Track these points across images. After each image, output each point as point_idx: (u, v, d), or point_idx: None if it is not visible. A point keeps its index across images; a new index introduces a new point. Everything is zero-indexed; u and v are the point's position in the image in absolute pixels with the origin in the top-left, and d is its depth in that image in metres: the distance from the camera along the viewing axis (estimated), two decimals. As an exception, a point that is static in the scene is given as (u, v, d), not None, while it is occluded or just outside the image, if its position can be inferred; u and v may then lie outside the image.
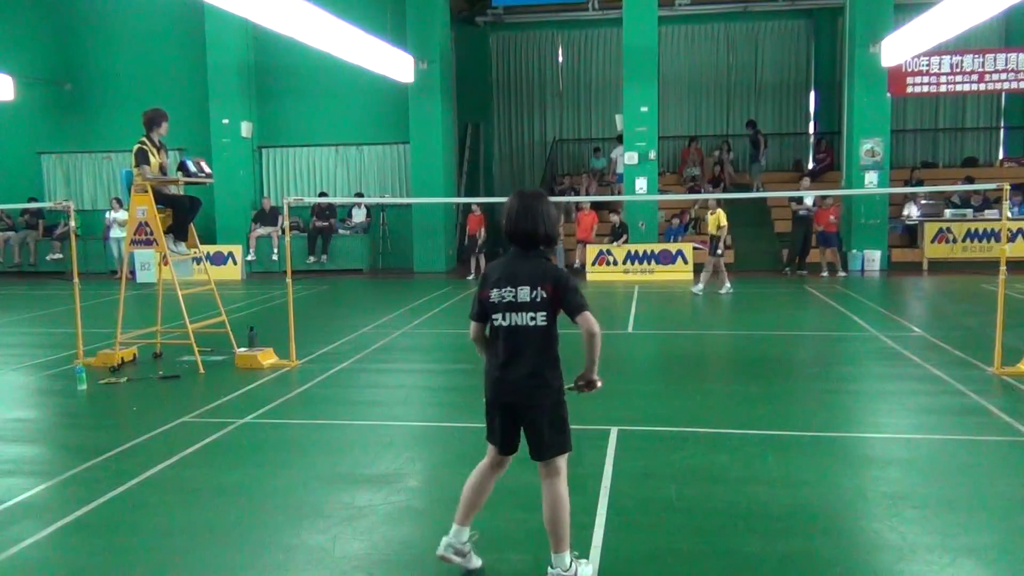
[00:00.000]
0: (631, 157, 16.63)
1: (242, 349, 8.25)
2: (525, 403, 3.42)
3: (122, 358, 8.16)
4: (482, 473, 3.62)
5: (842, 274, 15.52)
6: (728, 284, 13.09)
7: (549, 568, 3.46)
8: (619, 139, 19.59)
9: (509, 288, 3.37)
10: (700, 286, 13.08)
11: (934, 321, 10.73)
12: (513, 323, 3.38)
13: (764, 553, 3.77)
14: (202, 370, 7.86)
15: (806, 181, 16.42)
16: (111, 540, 4.10)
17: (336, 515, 4.27)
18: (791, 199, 15.91)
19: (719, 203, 13.48)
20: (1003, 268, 7.35)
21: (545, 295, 3.33)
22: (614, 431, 5.61)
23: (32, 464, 5.42)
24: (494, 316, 3.43)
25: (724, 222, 13.10)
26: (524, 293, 3.35)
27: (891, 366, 7.86)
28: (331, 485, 4.74)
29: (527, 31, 21.57)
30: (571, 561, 3.48)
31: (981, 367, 7.42)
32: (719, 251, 13.18)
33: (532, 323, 3.36)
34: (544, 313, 3.35)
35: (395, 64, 15.24)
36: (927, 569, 3.61)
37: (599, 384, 3.44)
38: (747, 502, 4.36)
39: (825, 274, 15.47)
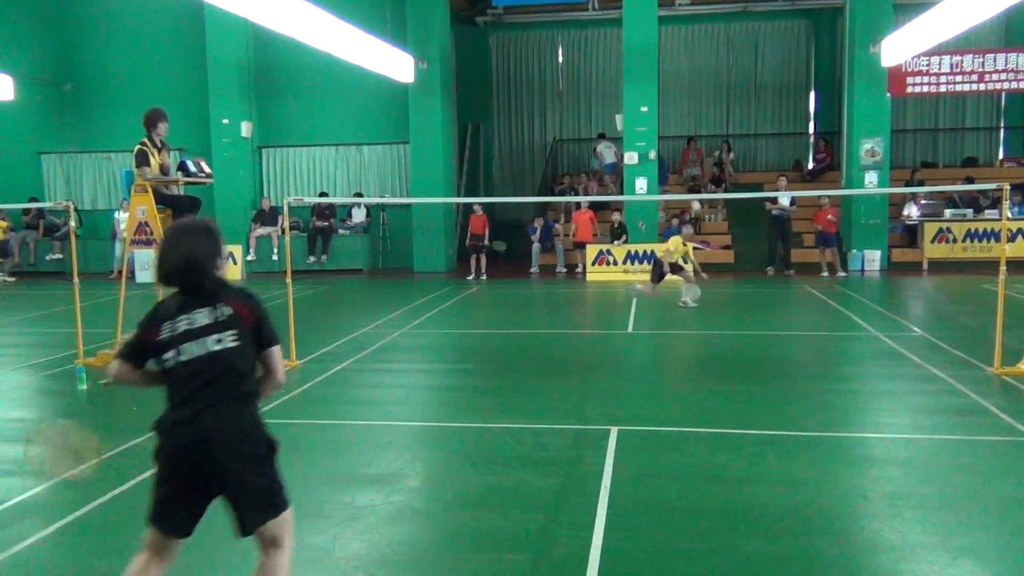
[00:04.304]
0: (631, 157, 16.62)
1: (242, 349, 8.23)
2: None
3: (122, 358, 8.14)
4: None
5: (842, 274, 15.51)
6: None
7: None
8: (601, 135, 20.08)
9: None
10: (690, 297, 11.78)
11: (934, 321, 10.73)
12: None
13: (764, 553, 3.77)
14: (202, 370, 7.85)
15: (782, 181, 16.48)
16: (111, 540, 4.10)
17: (336, 515, 4.27)
18: (766, 199, 15.91)
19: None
20: (1003, 268, 7.35)
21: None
22: (614, 431, 5.61)
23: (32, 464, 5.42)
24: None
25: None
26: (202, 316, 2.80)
27: (891, 366, 7.86)
28: (331, 485, 4.74)
29: (527, 31, 21.56)
30: None
31: (981, 367, 7.41)
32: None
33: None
34: (239, 339, 2.82)
35: (395, 64, 15.25)
36: (927, 569, 3.61)
37: None
38: (747, 502, 4.36)
39: (825, 274, 15.46)
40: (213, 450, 2.67)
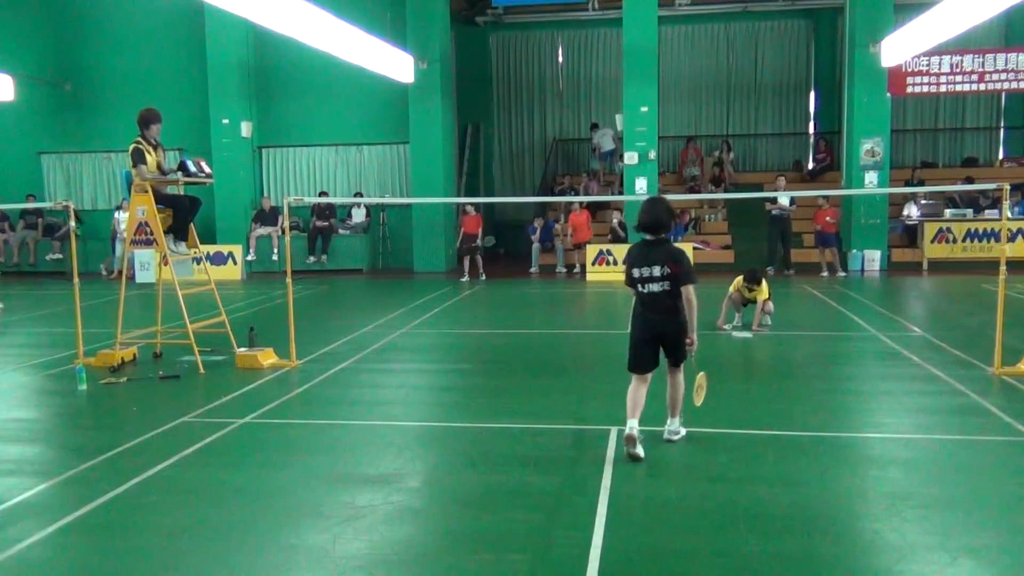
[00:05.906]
0: (631, 157, 16.63)
1: (242, 349, 8.25)
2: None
3: (122, 358, 8.15)
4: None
5: (842, 274, 15.51)
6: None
7: (666, 428, 5.42)
8: (594, 126, 20.26)
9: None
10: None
11: (934, 321, 10.73)
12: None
13: (764, 553, 3.77)
14: (202, 370, 7.86)
15: (781, 181, 16.49)
16: (111, 540, 4.10)
17: (336, 515, 4.27)
18: (765, 199, 15.90)
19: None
20: (1003, 268, 7.34)
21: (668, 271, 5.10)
22: (614, 431, 5.60)
23: (32, 464, 5.42)
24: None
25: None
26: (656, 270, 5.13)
27: (891, 366, 7.86)
28: (331, 485, 4.75)
29: (527, 31, 21.57)
30: (679, 424, 5.46)
31: (981, 367, 7.41)
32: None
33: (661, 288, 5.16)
34: (669, 282, 5.12)
35: (395, 64, 15.25)
36: (927, 569, 3.61)
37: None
38: (747, 502, 4.36)
39: (825, 274, 15.46)
40: (662, 333, 5.24)
